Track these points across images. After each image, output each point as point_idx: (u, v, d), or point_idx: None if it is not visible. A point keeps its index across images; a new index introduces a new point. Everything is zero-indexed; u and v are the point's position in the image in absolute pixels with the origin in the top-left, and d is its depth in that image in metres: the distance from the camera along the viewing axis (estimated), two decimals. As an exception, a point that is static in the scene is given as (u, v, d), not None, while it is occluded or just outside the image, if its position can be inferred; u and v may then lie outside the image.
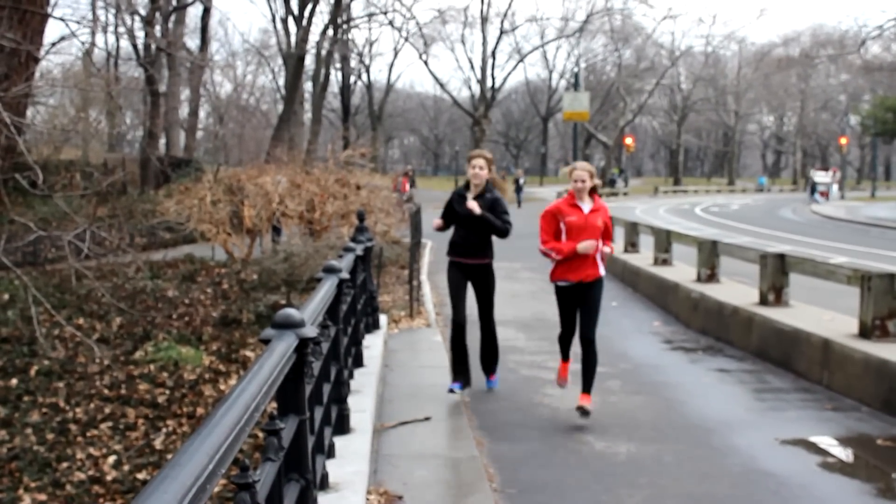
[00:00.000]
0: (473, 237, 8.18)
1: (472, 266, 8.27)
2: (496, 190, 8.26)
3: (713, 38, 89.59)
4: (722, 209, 49.29)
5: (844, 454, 6.84)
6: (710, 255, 13.23)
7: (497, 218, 8.10)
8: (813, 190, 61.57)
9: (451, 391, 8.01)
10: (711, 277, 13.15)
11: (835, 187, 65.72)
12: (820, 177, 65.52)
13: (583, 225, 7.47)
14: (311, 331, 3.57)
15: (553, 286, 7.77)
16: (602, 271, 7.59)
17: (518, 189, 50.95)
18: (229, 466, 2.19)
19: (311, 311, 4.20)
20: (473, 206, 8.01)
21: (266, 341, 3.36)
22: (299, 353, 3.50)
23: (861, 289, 8.82)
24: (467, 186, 8.26)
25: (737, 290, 12.44)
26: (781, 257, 11.02)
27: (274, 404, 3.52)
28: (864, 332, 8.70)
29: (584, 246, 7.40)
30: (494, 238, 8.30)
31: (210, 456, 1.98)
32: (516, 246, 13.25)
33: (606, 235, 7.64)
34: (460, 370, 8.33)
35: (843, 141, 79.57)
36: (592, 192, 7.62)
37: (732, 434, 7.25)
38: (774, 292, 10.86)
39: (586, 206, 7.53)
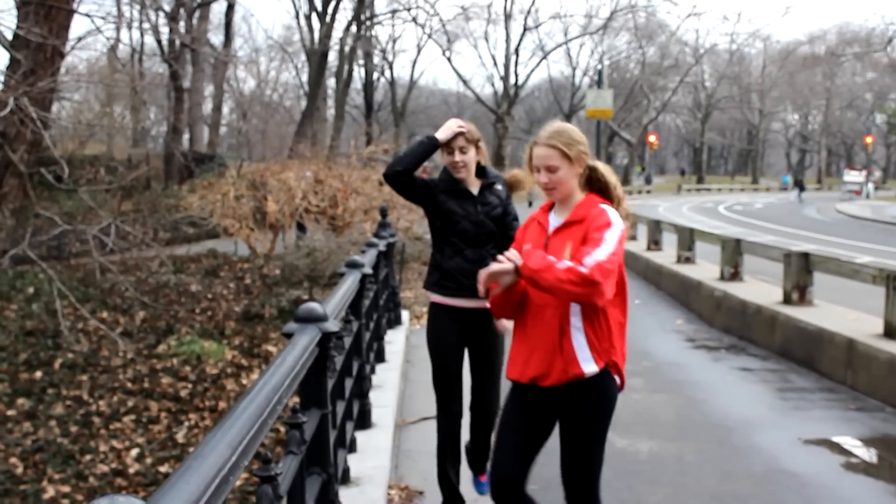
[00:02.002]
0: (482, 260, 4.64)
1: (474, 313, 4.91)
2: (501, 178, 5.11)
3: (738, 36, 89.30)
4: (746, 208, 49.04)
5: (868, 455, 6.79)
6: (733, 254, 13.16)
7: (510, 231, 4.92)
8: (801, 189, 61.59)
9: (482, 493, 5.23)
10: (735, 276, 13.08)
11: (870, 186, 65.53)
12: (852, 176, 65.49)
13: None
14: (333, 325, 3.57)
15: None
16: (592, 365, 3.67)
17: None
18: (251, 459, 2.20)
19: (333, 305, 4.21)
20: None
21: (289, 335, 3.37)
22: (322, 347, 3.50)
23: (886, 288, 8.74)
24: (452, 177, 5.02)
25: (760, 288, 12.37)
26: (806, 256, 10.94)
27: (296, 398, 3.52)
28: (890, 332, 8.62)
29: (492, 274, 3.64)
30: None
31: (233, 448, 1.98)
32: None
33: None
34: (449, 485, 5.18)
35: (869, 140, 79.07)
36: (592, 188, 3.81)
37: (755, 433, 7.20)
38: (798, 291, 10.79)
39: (556, 218, 3.80)
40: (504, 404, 3.98)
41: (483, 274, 3.64)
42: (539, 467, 3.85)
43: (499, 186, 5.05)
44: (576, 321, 3.65)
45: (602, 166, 3.82)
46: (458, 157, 4.87)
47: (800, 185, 62.56)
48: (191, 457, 1.86)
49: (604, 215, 3.63)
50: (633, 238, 21.77)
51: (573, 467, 3.81)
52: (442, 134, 4.84)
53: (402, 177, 4.87)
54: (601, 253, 3.47)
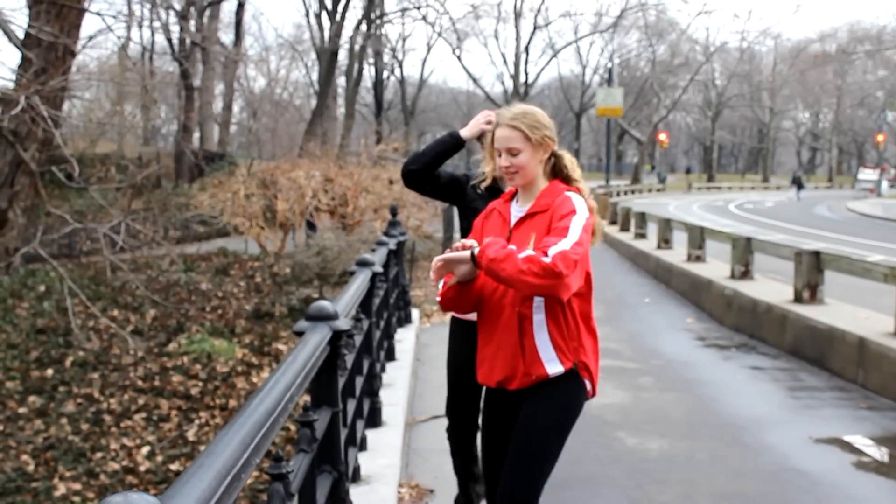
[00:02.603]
0: None
1: None
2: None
3: (748, 34, 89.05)
4: (756, 206, 48.92)
5: (879, 454, 6.77)
6: (744, 252, 13.14)
7: None
8: (800, 187, 61.62)
9: None
10: (745, 274, 13.05)
11: (885, 184, 65.62)
12: (866, 174, 65.61)
13: None
14: (344, 323, 3.58)
15: None
16: (556, 366, 3.40)
17: None
18: (263, 457, 2.21)
19: (344, 303, 4.21)
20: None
21: (300, 333, 3.37)
22: (333, 345, 3.51)
23: (898, 287, 8.72)
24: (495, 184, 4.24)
25: (771, 287, 12.34)
26: (816, 254, 10.92)
27: (307, 396, 3.53)
28: (901, 331, 8.60)
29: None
30: None
31: (245, 445, 1.99)
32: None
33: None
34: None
35: (880, 138, 78.71)
36: (559, 177, 3.57)
37: (765, 432, 7.19)
38: (809, 290, 10.76)
39: (518, 208, 3.58)
40: (481, 413, 3.76)
41: (436, 262, 3.36)
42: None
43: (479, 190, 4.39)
44: (538, 317, 3.39)
45: (567, 156, 3.60)
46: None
47: (798, 183, 62.61)
48: (203, 454, 1.86)
49: (568, 202, 3.39)
50: (643, 237, 21.75)
51: (514, 472, 3.42)
52: (467, 131, 4.32)
53: (416, 176, 4.41)
54: (566, 243, 3.21)
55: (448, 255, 3.36)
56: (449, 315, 4.63)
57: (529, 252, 3.20)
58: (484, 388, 3.71)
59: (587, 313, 3.47)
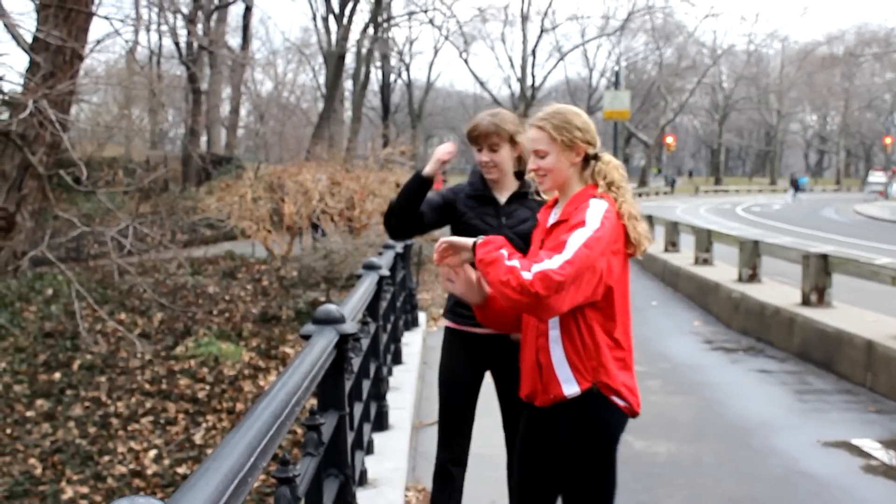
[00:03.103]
0: None
1: (496, 340, 4.17)
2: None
3: (755, 37, 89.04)
4: (763, 209, 48.83)
5: (888, 457, 6.75)
6: (751, 255, 13.12)
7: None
8: (796, 189, 61.68)
9: None
10: (753, 277, 13.03)
11: (894, 186, 65.69)
12: (876, 177, 65.82)
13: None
14: (351, 327, 3.58)
15: None
16: (573, 386, 3.19)
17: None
18: (269, 461, 2.20)
19: (351, 307, 4.21)
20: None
21: (307, 337, 3.37)
22: (339, 348, 3.50)
23: (906, 290, 8.70)
24: (483, 182, 4.26)
25: (778, 290, 12.32)
26: (824, 257, 10.89)
27: (314, 400, 3.53)
28: (909, 334, 8.59)
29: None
30: None
31: (252, 449, 1.99)
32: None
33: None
34: None
35: (888, 140, 78.60)
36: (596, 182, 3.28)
37: (773, 435, 7.17)
38: (817, 293, 10.74)
39: (553, 215, 3.37)
40: (521, 421, 3.54)
41: (441, 242, 3.23)
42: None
43: (536, 197, 4.08)
44: (553, 333, 3.20)
45: (606, 158, 3.30)
46: (485, 155, 4.08)
47: (795, 185, 62.67)
48: (210, 458, 1.86)
49: (581, 213, 3.12)
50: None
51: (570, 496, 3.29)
52: (429, 168, 4.12)
53: (399, 229, 4.30)
54: (555, 260, 2.95)
55: (453, 238, 3.26)
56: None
57: (515, 263, 2.99)
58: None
59: (611, 329, 3.18)
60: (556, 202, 3.38)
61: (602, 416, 3.19)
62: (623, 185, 3.25)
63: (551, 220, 3.30)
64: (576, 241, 3.02)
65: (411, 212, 4.20)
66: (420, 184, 4.13)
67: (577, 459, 3.24)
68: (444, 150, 4.14)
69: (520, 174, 4.19)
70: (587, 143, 3.26)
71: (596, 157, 3.29)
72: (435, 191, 4.29)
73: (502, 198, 4.19)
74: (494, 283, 3.01)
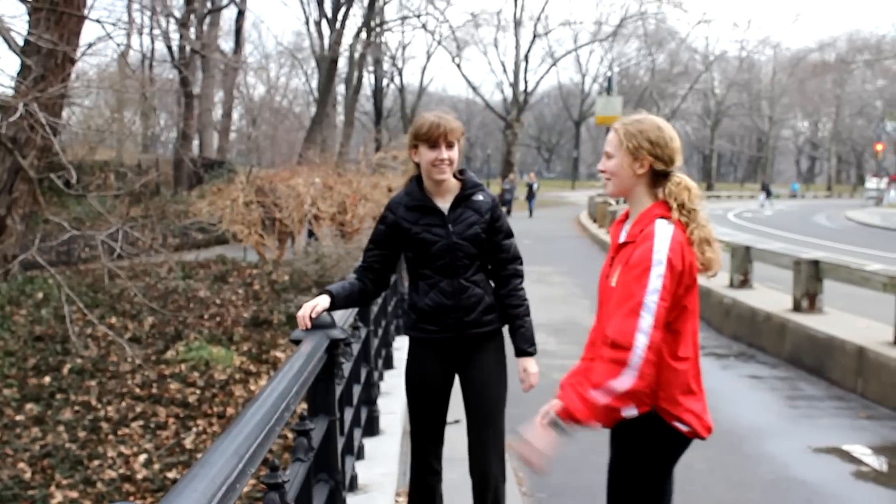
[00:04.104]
0: (464, 292, 4.05)
1: (464, 340, 4.10)
2: (481, 185, 4.17)
3: (748, 43, 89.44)
4: (755, 215, 48.89)
5: (878, 463, 6.75)
6: (743, 261, 13.12)
7: (508, 266, 4.16)
8: (768, 194, 62.04)
9: None
10: (744, 283, 13.04)
11: (892, 192, 66.19)
12: (873, 183, 66.51)
13: (603, 290, 3.28)
14: (341, 332, 3.57)
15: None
16: (630, 409, 3.03)
17: (530, 196, 45.37)
18: (259, 466, 2.19)
19: (341, 312, 4.20)
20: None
21: (297, 342, 3.36)
22: (330, 353, 3.50)
23: (897, 296, 8.71)
24: (420, 184, 4.09)
25: (770, 296, 12.33)
26: (815, 263, 10.91)
27: (304, 405, 3.52)
28: (900, 340, 8.59)
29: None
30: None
31: (240, 455, 1.97)
32: (546, 249, 13.20)
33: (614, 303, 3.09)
34: None
35: (879, 147, 78.84)
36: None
37: (764, 441, 7.17)
38: (808, 299, 10.75)
39: (624, 231, 3.25)
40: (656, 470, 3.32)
41: (527, 461, 3.05)
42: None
43: (479, 197, 4.07)
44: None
45: (677, 179, 3.17)
46: (445, 153, 3.95)
47: (767, 190, 63.00)
48: (198, 464, 1.85)
49: (647, 241, 3.02)
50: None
51: None
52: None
53: (378, 293, 4.19)
54: (641, 331, 2.91)
55: (530, 443, 3.01)
56: None
57: (597, 391, 2.91)
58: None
59: (674, 351, 3.09)
60: (626, 216, 3.27)
61: (656, 440, 3.14)
62: (695, 208, 3.15)
63: (622, 237, 3.20)
64: (652, 290, 2.95)
65: (368, 297, 4.13)
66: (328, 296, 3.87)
67: (621, 478, 3.25)
68: (305, 313, 3.67)
69: (459, 172, 4.09)
70: (656, 157, 3.15)
71: (666, 176, 3.18)
72: (378, 225, 4.12)
73: (445, 204, 4.04)
74: (603, 416, 2.96)
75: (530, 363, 4.18)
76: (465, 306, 4.01)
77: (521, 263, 4.20)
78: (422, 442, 4.24)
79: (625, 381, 2.89)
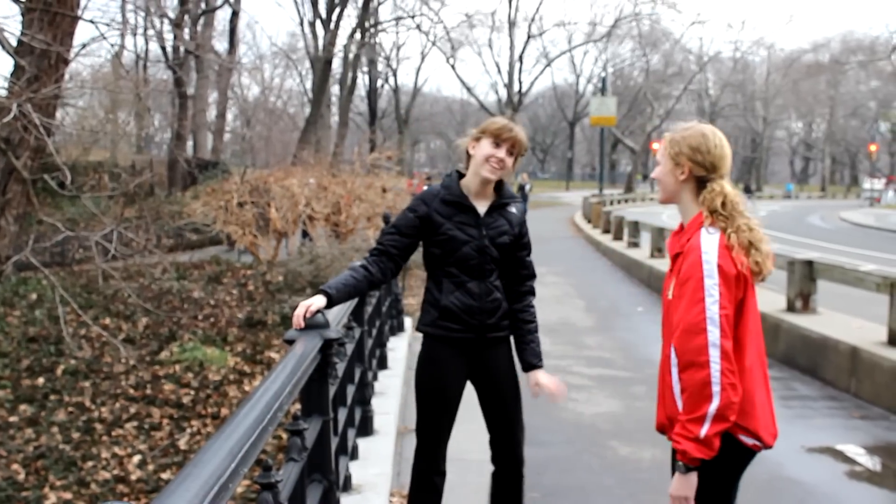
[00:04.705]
0: (489, 294, 4.14)
1: (482, 342, 4.17)
2: (517, 199, 4.31)
3: (742, 44, 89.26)
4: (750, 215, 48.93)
5: (872, 463, 6.76)
6: (737, 261, 13.13)
7: (527, 283, 4.37)
8: (749, 192, 62.52)
9: None
10: (738, 283, 13.04)
11: (890, 193, 66.61)
12: (872, 184, 67.07)
13: (664, 304, 3.31)
14: (335, 332, 3.57)
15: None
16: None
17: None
18: (252, 466, 2.19)
19: (335, 312, 4.20)
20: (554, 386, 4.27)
21: (291, 342, 3.36)
22: (323, 353, 3.49)
23: (891, 296, 8.72)
24: (458, 182, 4.16)
25: (764, 296, 12.30)
26: (809, 264, 10.92)
27: (298, 405, 3.52)
28: (894, 340, 8.60)
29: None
30: None
31: (233, 455, 1.97)
32: (540, 250, 13.19)
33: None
34: None
35: (873, 148, 79.11)
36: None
37: (758, 441, 7.17)
38: (802, 299, 10.77)
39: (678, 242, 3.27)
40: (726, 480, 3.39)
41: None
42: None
43: (513, 209, 4.18)
44: (674, 371, 3.12)
45: (718, 188, 3.16)
46: (504, 153, 4.01)
47: (747, 189, 63.34)
48: (190, 464, 1.85)
49: (694, 255, 3.04)
50: (637, 245, 21.75)
51: None
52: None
53: (386, 281, 4.26)
54: (712, 345, 2.96)
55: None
56: None
57: (700, 431, 2.97)
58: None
59: (738, 362, 3.11)
60: (681, 228, 3.28)
61: (722, 454, 3.09)
62: (732, 214, 3.13)
63: (677, 248, 3.22)
64: (711, 302, 2.97)
65: (373, 285, 4.10)
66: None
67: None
68: (299, 314, 3.66)
69: (498, 185, 4.14)
70: (696, 163, 3.17)
71: (704, 181, 3.18)
72: (408, 212, 4.14)
73: (481, 207, 4.10)
74: (717, 440, 3.01)
75: (542, 375, 4.25)
76: (489, 309, 4.10)
77: (535, 280, 4.36)
78: (431, 441, 4.29)
79: (714, 402, 2.93)
